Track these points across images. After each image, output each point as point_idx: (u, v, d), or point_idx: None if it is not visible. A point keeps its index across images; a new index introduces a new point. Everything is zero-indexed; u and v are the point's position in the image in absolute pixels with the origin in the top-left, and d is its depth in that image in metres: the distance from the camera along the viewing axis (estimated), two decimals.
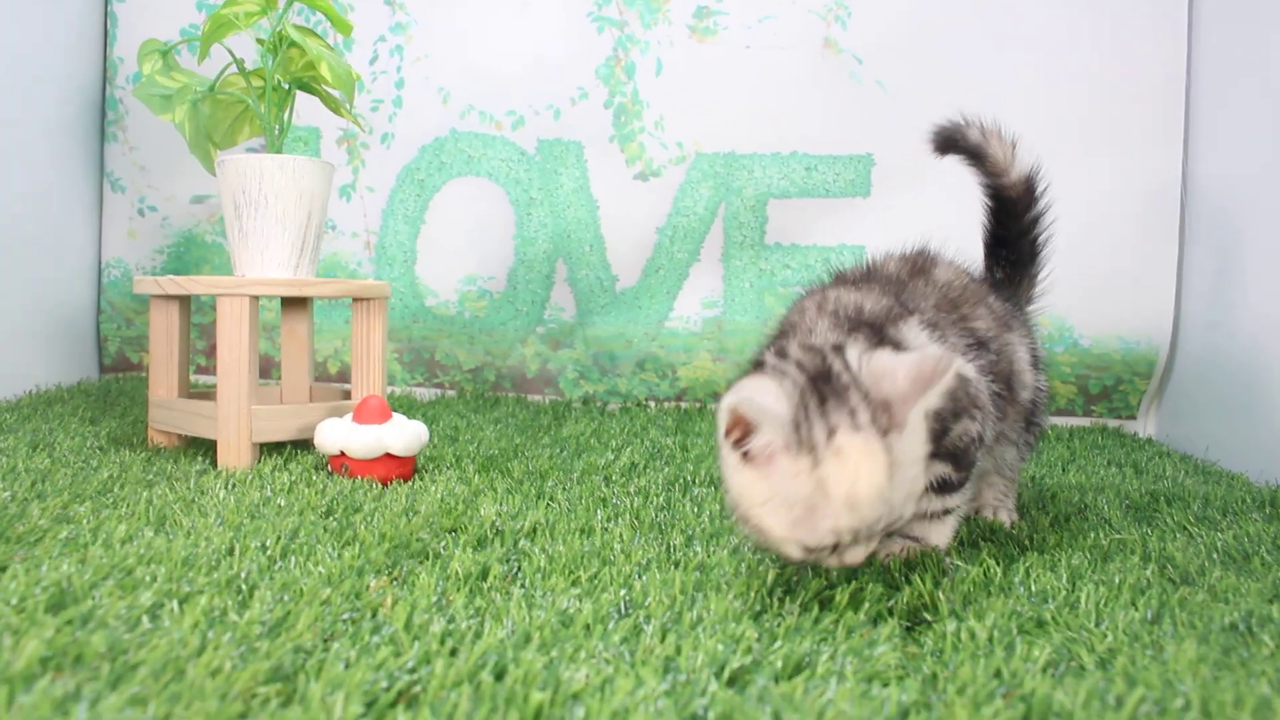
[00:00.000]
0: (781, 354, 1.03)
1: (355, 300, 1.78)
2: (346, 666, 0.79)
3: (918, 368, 0.94)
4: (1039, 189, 1.45)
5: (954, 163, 2.46)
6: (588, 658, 0.83)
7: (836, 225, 2.51)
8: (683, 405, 2.59)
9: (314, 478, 1.50)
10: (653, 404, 2.61)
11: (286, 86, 1.77)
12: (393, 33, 2.60)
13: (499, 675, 0.79)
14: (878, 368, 0.97)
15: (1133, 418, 2.47)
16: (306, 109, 2.58)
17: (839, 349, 1.01)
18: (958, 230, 2.43)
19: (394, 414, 1.58)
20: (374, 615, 0.93)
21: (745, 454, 0.95)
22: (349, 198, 2.63)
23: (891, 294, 1.17)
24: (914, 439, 0.95)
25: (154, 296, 1.75)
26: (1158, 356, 2.37)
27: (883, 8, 2.46)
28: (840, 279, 1.29)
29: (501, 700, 0.73)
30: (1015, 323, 1.33)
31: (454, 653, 0.83)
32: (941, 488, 1.17)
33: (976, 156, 1.43)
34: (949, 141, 1.46)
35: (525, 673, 0.78)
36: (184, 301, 1.77)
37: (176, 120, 1.77)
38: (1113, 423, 2.49)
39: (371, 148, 2.62)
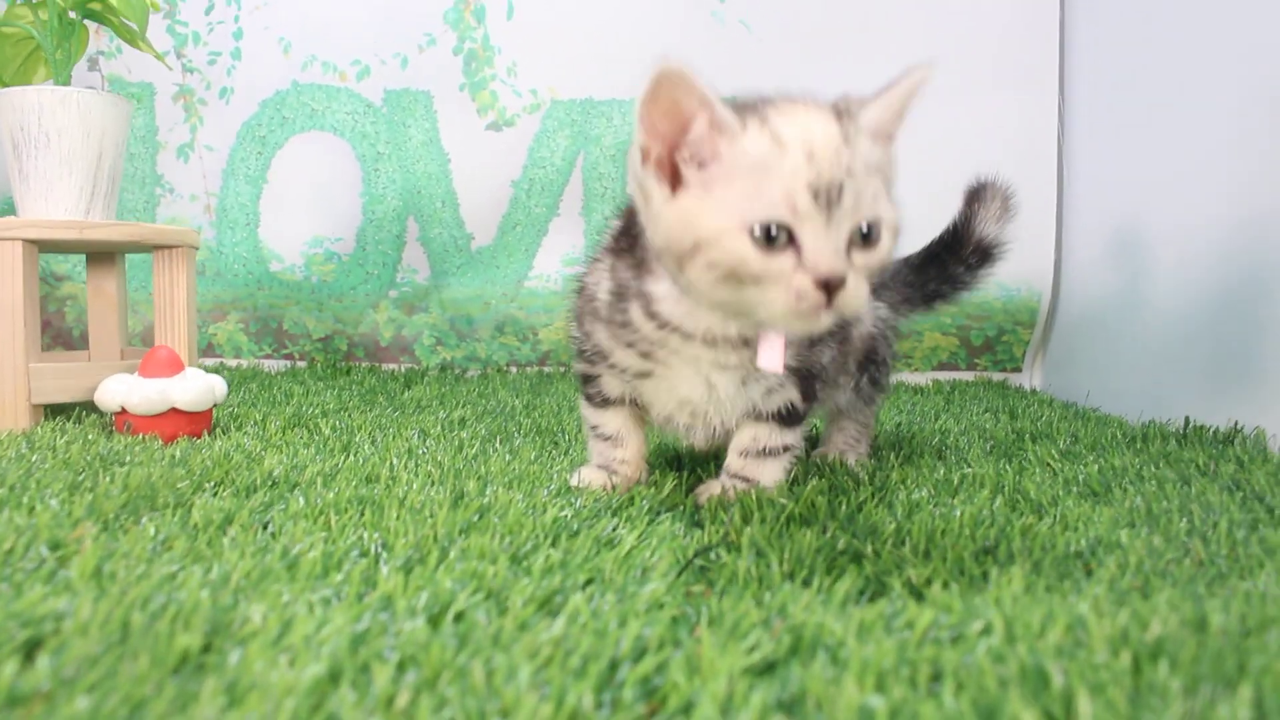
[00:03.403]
0: None
1: (157, 249, 1.62)
2: None
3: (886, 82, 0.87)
4: (990, 258, 1.40)
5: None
6: (290, 600, 0.69)
7: None
8: (545, 370, 2.45)
9: (91, 437, 1.34)
10: (514, 369, 2.47)
11: (74, 16, 1.61)
12: None
13: (155, 616, 0.64)
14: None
15: (1018, 370, 2.38)
16: (139, 66, 2.40)
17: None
18: None
19: (187, 367, 1.43)
20: (64, 565, 0.78)
21: (674, 186, 0.83)
22: (187, 158, 2.45)
23: None
24: (872, 145, 0.84)
25: None
26: (1039, 304, 2.28)
27: None
28: None
29: (141, 642, 0.59)
30: None
31: (123, 595, 0.69)
32: (786, 418, 1.08)
33: (974, 203, 1.39)
34: (979, 188, 1.41)
35: (187, 612, 0.64)
36: None
37: None
38: (997, 376, 2.39)
39: (210, 104, 2.44)
